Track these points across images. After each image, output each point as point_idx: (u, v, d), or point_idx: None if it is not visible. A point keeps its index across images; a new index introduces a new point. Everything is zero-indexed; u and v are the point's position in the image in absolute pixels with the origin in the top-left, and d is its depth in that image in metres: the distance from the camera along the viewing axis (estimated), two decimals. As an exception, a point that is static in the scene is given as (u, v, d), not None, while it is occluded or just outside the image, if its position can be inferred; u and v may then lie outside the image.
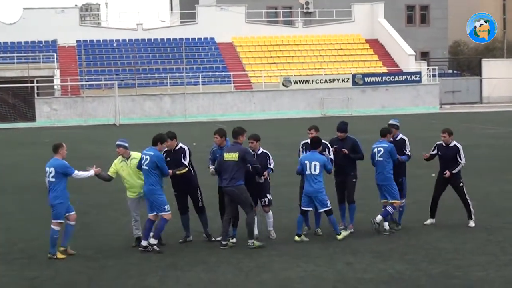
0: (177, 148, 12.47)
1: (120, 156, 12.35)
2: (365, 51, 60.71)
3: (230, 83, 54.54)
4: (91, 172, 11.96)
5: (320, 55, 59.45)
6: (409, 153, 13.44)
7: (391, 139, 13.40)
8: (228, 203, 12.23)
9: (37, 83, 51.55)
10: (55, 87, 53.45)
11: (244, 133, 12.34)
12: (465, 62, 76.47)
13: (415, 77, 56.33)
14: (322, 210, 12.42)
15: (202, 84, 53.79)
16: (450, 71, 68.84)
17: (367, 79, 55.39)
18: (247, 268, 10.75)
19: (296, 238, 12.40)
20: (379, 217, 12.84)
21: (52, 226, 11.61)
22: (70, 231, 11.82)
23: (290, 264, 10.90)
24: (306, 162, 12.42)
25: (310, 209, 12.58)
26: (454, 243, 12.01)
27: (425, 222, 13.46)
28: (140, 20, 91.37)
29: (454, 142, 13.50)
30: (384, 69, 58.06)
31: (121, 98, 50.34)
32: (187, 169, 12.30)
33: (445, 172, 13.25)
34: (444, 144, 13.48)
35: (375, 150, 13.11)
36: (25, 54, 54.10)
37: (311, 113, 52.80)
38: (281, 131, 37.89)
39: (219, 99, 53.27)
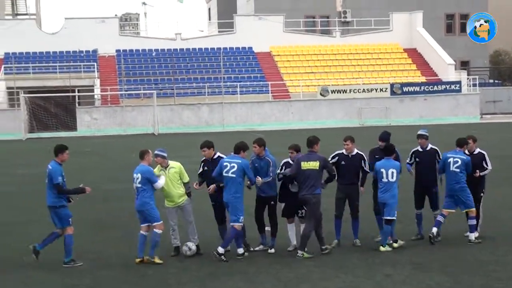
0: (215, 157, 12.52)
1: (159, 166, 12.45)
2: (403, 60, 60.32)
3: (268, 93, 54.63)
4: (163, 180, 12.08)
5: (358, 64, 59.25)
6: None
7: (421, 150, 13.33)
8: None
9: (78, 92, 52.26)
10: (95, 96, 54.14)
11: (319, 141, 12.39)
12: (506, 72, 75.49)
13: (455, 86, 55.78)
14: (387, 217, 12.32)
15: (240, 94, 53.98)
16: (491, 81, 67.98)
17: (405, 89, 55.01)
18: (286, 279, 10.73)
19: (395, 245, 12.36)
20: (434, 229, 12.77)
21: (155, 230, 11.80)
22: (156, 239, 11.84)
23: (328, 275, 10.86)
24: (383, 170, 12.37)
25: None
26: (494, 255, 11.86)
27: (466, 234, 13.27)
28: (178, 30, 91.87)
29: (478, 149, 13.37)
30: (423, 79, 57.59)
31: (159, 108, 50.76)
32: None
33: (475, 172, 13.09)
34: (468, 153, 13.29)
35: (451, 160, 12.91)
36: (67, 64, 54.92)
37: (349, 122, 52.62)
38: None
39: (257, 109, 53.38)
